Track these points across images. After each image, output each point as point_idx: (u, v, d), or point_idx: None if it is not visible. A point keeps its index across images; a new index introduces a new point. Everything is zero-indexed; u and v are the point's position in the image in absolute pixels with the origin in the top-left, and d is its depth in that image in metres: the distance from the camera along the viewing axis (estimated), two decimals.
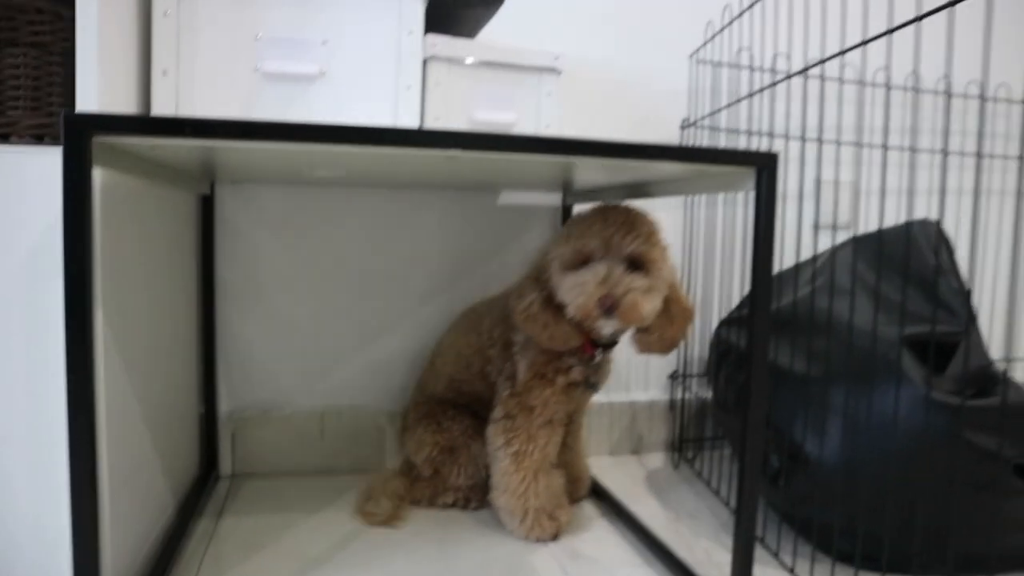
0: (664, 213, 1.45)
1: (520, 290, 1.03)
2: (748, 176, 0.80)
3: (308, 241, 1.29)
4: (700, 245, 1.43)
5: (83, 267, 0.61)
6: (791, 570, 0.98)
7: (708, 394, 1.40)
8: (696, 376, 1.47)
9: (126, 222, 0.84)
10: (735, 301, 1.40)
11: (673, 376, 1.48)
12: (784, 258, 1.32)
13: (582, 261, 0.94)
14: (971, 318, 1.07)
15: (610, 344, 1.04)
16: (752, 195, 0.79)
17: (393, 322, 1.34)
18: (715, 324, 1.35)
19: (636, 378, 1.49)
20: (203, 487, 1.19)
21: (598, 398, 1.43)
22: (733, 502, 1.22)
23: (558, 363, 1.04)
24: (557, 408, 1.05)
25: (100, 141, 0.64)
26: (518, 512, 1.06)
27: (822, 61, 0.94)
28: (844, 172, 1.49)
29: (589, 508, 1.21)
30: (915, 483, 0.89)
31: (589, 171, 0.90)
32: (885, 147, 0.89)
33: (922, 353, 0.99)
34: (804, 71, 1.00)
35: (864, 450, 0.94)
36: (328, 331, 1.32)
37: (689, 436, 1.48)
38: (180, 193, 1.11)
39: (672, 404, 1.49)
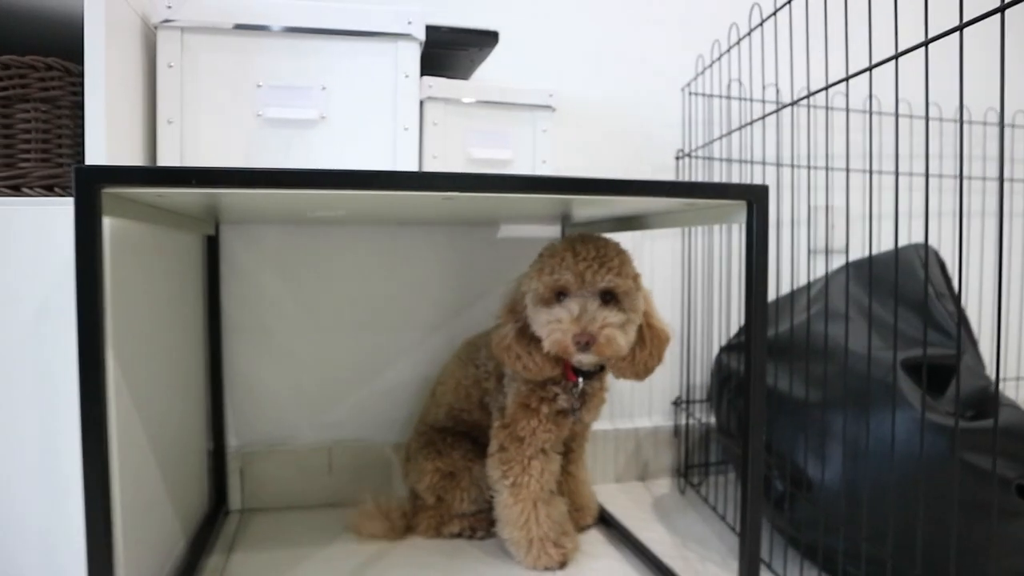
0: (662, 241, 1.48)
1: (497, 322, 1.06)
2: (739, 209, 0.82)
3: (312, 278, 1.32)
4: (699, 271, 1.45)
5: (95, 313, 0.64)
6: None
7: (712, 419, 1.41)
8: (699, 402, 1.48)
9: (134, 266, 0.87)
10: (735, 326, 1.42)
11: (676, 402, 1.49)
12: (781, 283, 1.34)
13: (556, 294, 0.96)
14: (971, 339, 1.08)
15: (592, 372, 1.06)
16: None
17: (397, 355, 1.36)
18: (716, 350, 1.36)
19: (640, 404, 1.50)
20: (213, 522, 1.21)
21: (602, 425, 1.45)
22: (734, 520, 1.22)
23: (542, 392, 1.05)
24: (547, 437, 1.06)
25: (109, 192, 0.66)
26: (522, 543, 1.07)
27: (810, 94, 0.97)
28: (836, 197, 1.51)
29: (596, 535, 1.22)
30: (915, 506, 0.89)
31: (585, 205, 0.92)
32: (870, 171, 0.91)
33: (920, 376, 1.01)
34: (794, 103, 1.02)
35: (864, 474, 0.95)
36: (333, 365, 1.34)
37: (694, 462, 1.48)
38: (186, 235, 1.14)
39: (676, 430, 1.50)
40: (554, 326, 0.94)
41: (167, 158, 0.87)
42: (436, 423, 1.23)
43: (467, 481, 1.15)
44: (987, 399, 1.01)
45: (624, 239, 1.11)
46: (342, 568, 1.07)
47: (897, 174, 0.80)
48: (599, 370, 1.07)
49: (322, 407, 1.34)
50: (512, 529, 1.08)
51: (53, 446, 0.78)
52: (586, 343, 0.91)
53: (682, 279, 1.46)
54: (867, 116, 1.40)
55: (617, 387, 1.49)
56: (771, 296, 1.29)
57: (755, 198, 0.80)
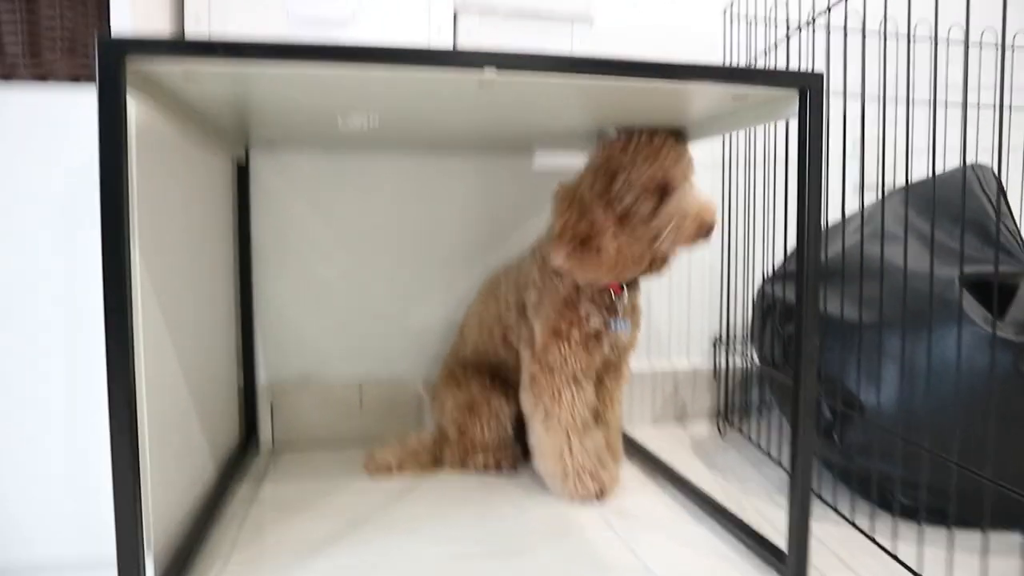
0: (704, 172, 1.42)
1: (571, 210, 0.97)
2: (791, 100, 0.76)
3: (343, 208, 1.29)
4: (739, 204, 1.39)
5: (120, 205, 0.61)
6: (852, 522, 0.94)
7: (753, 358, 1.36)
8: (739, 341, 1.43)
9: (164, 175, 0.84)
10: (778, 260, 1.36)
11: (716, 342, 1.44)
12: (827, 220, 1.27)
13: (660, 188, 0.94)
14: None
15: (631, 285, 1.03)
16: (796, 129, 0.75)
17: (429, 290, 1.33)
18: (755, 284, 1.31)
19: (677, 344, 1.45)
20: (243, 455, 1.19)
21: (638, 366, 1.41)
22: (785, 462, 1.17)
23: (572, 316, 1.01)
24: (577, 364, 1.02)
25: (135, 69, 0.63)
26: (558, 474, 1.04)
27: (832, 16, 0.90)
28: (890, 130, 1.44)
29: (634, 470, 1.18)
30: (980, 425, 0.84)
31: (624, 110, 0.87)
32: (934, 103, 0.85)
33: (981, 297, 0.95)
34: (823, 11, 0.96)
35: (924, 396, 0.90)
36: (365, 299, 1.32)
37: (734, 403, 1.43)
38: (216, 157, 1.12)
39: (716, 371, 1.45)
40: (682, 216, 0.92)
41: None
42: (463, 360, 1.20)
43: (486, 412, 1.11)
44: None
45: None
46: (372, 500, 1.04)
47: (964, 104, 0.74)
48: (632, 288, 1.04)
49: (353, 341, 1.32)
50: (546, 461, 1.05)
51: (80, 349, 0.76)
52: (708, 231, 0.92)
53: (720, 209, 1.40)
54: (919, 44, 1.33)
55: (655, 326, 1.44)
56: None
57: (809, 86, 0.75)
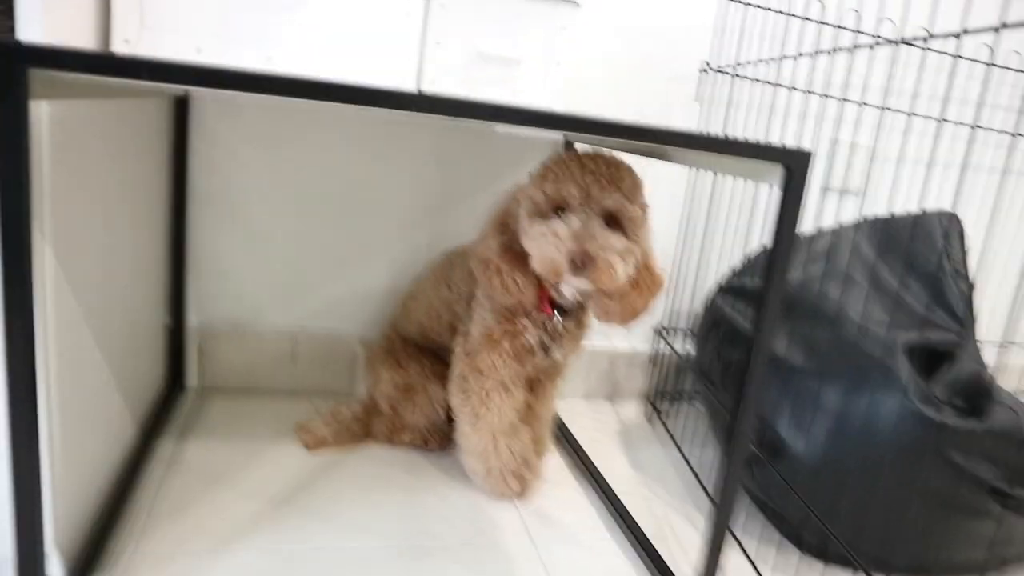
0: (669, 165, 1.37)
1: (482, 233, 0.96)
2: (774, 172, 0.72)
3: (291, 155, 1.20)
4: (704, 196, 1.36)
5: (19, 195, 0.54)
6: (754, 565, 0.97)
7: (691, 352, 1.37)
8: (681, 331, 1.43)
9: (80, 139, 0.76)
10: (733, 259, 1.34)
11: (658, 330, 1.45)
12: None
13: (555, 208, 0.86)
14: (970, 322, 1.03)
15: (569, 310, 0.98)
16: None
17: (373, 250, 1.28)
18: (708, 279, 1.30)
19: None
20: (167, 401, 1.16)
21: None
22: (697, 462, 1.21)
23: (508, 326, 0.98)
24: (508, 373, 1.00)
25: (40, 75, 0.55)
26: (480, 472, 1.05)
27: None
28: (862, 135, 1.40)
29: (559, 461, 1.20)
30: (892, 490, 0.87)
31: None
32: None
33: (919, 354, 0.96)
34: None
35: (846, 451, 0.92)
36: (306, 251, 1.26)
37: (666, 389, 1.46)
38: (150, 99, 1.01)
39: (653, 357, 1.46)
40: (548, 240, 0.83)
41: (122, 27, 0.74)
42: (404, 333, 1.18)
43: (422, 397, 1.10)
44: (981, 390, 0.97)
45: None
46: (297, 469, 1.04)
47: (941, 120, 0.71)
48: (577, 308, 0.99)
49: (291, 292, 1.27)
50: (470, 458, 1.05)
51: None
52: (582, 263, 0.81)
53: (684, 200, 1.37)
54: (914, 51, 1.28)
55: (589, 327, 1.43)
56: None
57: (794, 164, 0.70)
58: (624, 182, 0.86)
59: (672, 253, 1.38)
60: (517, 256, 0.91)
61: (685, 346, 1.40)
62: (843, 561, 0.89)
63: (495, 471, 1.04)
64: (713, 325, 1.20)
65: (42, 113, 0.64)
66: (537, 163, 0.91)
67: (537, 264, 0.86)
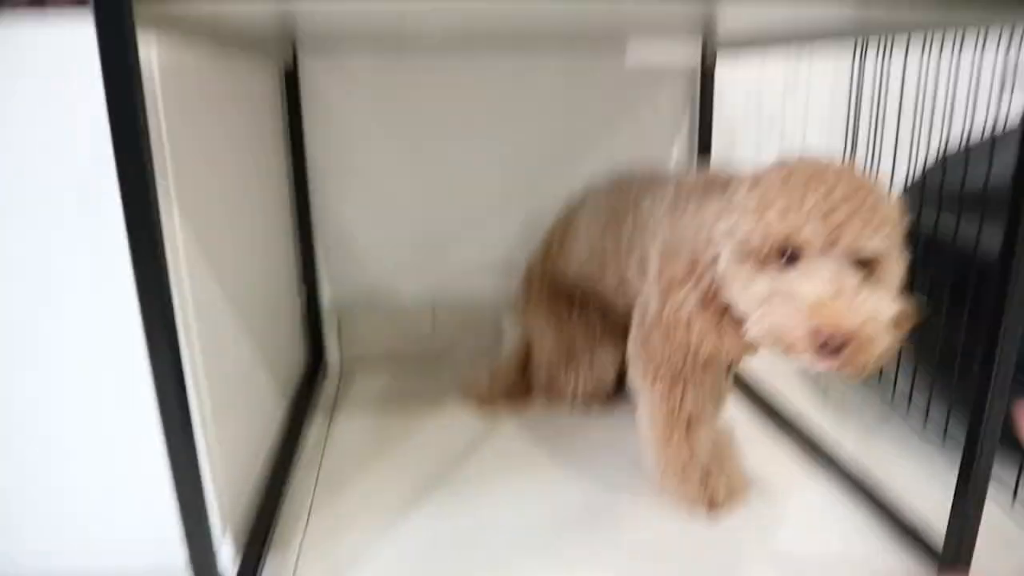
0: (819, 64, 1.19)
1: (670, 278, 0.72)
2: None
3: (407, 116, 1.14)
4: (867, 108, 1.17)
5: (139, 154, 0.48)
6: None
7: None
8: None
9: (197, 105, 0.71)
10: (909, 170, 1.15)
11: None
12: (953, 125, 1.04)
13: (782, 252, 0.61)
14: None
15: None
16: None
17: (506, 203, 1.20)
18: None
19: None
20: (312, 381, 1.13)
21: None
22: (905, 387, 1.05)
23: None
24: (686, 367, 0.79)
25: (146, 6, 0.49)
26: (659, 464, 0.84)
27: None
28: None
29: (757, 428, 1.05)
30: None
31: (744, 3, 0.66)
32: None
33: None
34: None
35: None
36: (435, 215, 1.20)
37: None
38: (259, 67, 0.97)
39: None
40: (779, 305, 0.59)
41: None
42: (562, 278, 1.02)
43: (586, 366, 1.00)
44: None
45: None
46: (452, 442, 0.97)
47: None
48: None
49: (424, 259, 1.21)
50: (646, 444, 0.86)
51: (117, 318, 0.66)
52: (839, 347, 0.56)
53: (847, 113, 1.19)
54: None
55: None
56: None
57: None
58: (880, 207, 0.60)
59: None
60: (724, 312, 0.68)
61: None
62: None
63: (670, 468, 0.83)
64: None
65: (152, 57, 0.59)
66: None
67: (760, 336, 0.62)
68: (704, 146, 1.17)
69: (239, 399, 0.81)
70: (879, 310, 0.58)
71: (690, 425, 0.80)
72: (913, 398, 1.03)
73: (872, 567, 0.73)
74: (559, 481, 0.89)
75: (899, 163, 1.08)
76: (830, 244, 0.58)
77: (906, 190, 1.08)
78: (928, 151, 1.05)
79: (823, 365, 0.59)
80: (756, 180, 0.64)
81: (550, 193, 1.16)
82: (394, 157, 1.16)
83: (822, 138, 1.23)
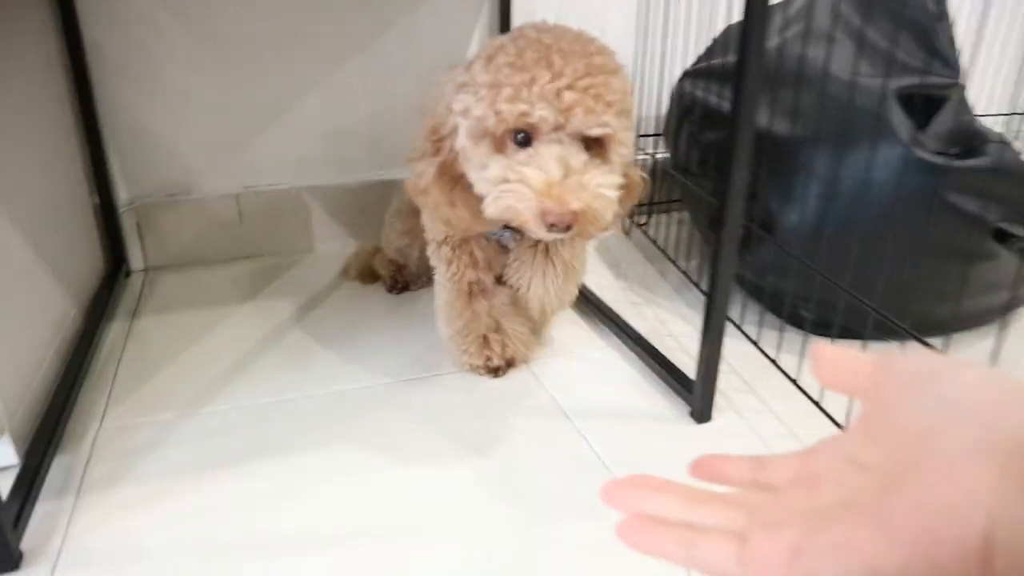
0: None
1: (413, 150, 0.74)
2: None
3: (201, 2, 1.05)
4: None
5: None
6: (758, 345, 0.93)
7: (663, 155, 1.29)
8: (652, 136, 1.34)
9: None
10: (699, 48, 1.24)
11: None
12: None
13: (515, 134, 0.63)
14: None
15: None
16: None
17: (307, 89, 1.15)
18: (675, 75, 1.20)
19: None
20: (112, 285, 1.07)
21: None
22: (685, 263, 1.16)
23: (458, 252, 0.83)
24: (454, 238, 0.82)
25: None
26: (445, 332, 0.89)
27: None
28: None
29: None
30: (894, 246, 0.82)
31: None
32: None
33: (910, 109, 0.89)
34: None
35: (843, 214, 0.86)
36: (235, 106, 1.13)
37: (643, 201, 1.38)
38: None
39: None
40: (512, 188, 0.62)
41: None
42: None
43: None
44: (973, 134, 0.90)
45: None
46: (264, 330, 0.97)
47: None
48: None
49: (225, 151, 1.15)
50: (436, 316, 0.90)
51: None
52: (567, 225, 0.61)
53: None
54: None
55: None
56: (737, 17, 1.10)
57: None
58: (612, 84, 0.62)
59: (631, 50, 1.26)
60: (460, 180, 0.70)
61: (655, 149, 1.32)
62: (847, 333, 0.85)
63: (456, 336, 0.87)
64: (684, 113, 1.11)
65: None
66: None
67: (496, 215, 0.65)
68: (505, 27, 1.17)
69: (15, 301, 0.76)
70: (604, 186, 0.62)
71: (472, 294, 0.85)
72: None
73: (643, 408, 0.84)
74: (362, 359, 0.91)
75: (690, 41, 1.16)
76: (559, 126, 0.61)
77: (686, 73, 1.15)
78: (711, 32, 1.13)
79: (554, 238, 0.67)
80: (490, 56, 0.64)
81: (351, 76, 1.14)
82: (190, 45, 1.07)
83: (620, 18, 1.27)
